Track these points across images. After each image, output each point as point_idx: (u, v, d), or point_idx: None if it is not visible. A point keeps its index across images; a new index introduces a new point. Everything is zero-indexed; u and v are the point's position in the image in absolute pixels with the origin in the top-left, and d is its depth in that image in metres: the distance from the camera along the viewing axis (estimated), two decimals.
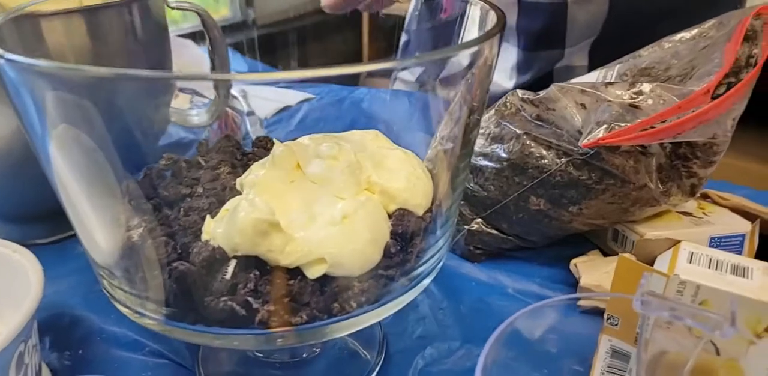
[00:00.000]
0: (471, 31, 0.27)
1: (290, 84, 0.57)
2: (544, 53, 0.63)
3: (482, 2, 0.25)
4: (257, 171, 0.29)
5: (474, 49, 0.22)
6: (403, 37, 0.58)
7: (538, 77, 0.66)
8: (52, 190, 0.40)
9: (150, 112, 0.32)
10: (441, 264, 0.30)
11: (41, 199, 0.41)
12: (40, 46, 0.33)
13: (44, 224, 0.43)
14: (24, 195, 0.40)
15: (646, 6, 0.58)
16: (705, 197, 0.43)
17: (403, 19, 0.59)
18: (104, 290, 0.27)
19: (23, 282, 0.32)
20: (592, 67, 0.51)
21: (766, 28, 0.33)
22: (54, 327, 0.36)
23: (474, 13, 0.27)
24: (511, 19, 0.62)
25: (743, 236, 0.39)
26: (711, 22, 0.40)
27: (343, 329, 0.25)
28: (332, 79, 0.18)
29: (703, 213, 0.41)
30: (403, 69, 0.23)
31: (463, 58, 0.23)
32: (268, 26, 0.47)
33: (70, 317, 0.37)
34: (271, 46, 0.47)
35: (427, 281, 0.28)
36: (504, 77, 0.67)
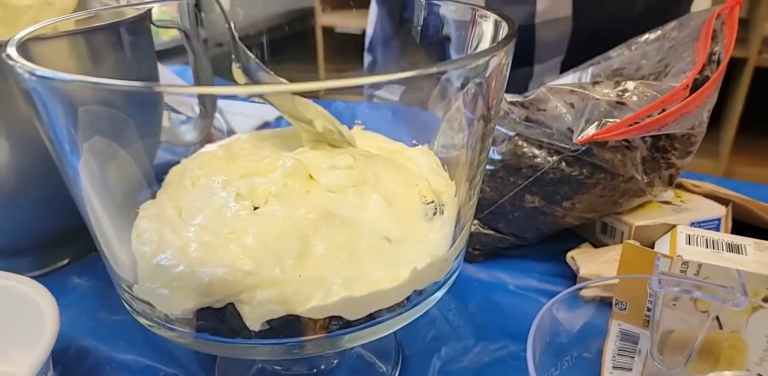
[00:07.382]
0: (483, 43, 0.28)
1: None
2: (514, 71, 0.67)
3: (495, 15, 0.26)
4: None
5: (491, 56, 0.23)
6: (367, 58, 0.57)
7: None
8: (41, 221, 0.39)
9: (154, 128, 0.32)
10: (461, 265, 0.31)
11: (30, 231, 0.40)
12: None
13: (33, 257, 0.41)
14: (13, 228, 0.38)
15: (604, 28, 0.63)
16: (679, 186, 0.46)
17: (359, 36, 0.59)
18: (127, 305, 0.27)
19: (33, 314, 0.30)
20: None
21: (726, 28, 0.37)
22: (60, 361, 0.35)
23: (486, 26, 0.28)
24: None
25: (719, 219, 0.42)
26: (672, 24, 0.43)
27: (382, 331, 0.26)
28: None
29: (681, 201, 0.43)
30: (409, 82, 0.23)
31: (475, 69, 0.24)
32: (220, 45, 0.47)
33: (75, 348, 0.35)
34: (226, 65, 0.47)
35: (451, 280, 0.29)
36: None
